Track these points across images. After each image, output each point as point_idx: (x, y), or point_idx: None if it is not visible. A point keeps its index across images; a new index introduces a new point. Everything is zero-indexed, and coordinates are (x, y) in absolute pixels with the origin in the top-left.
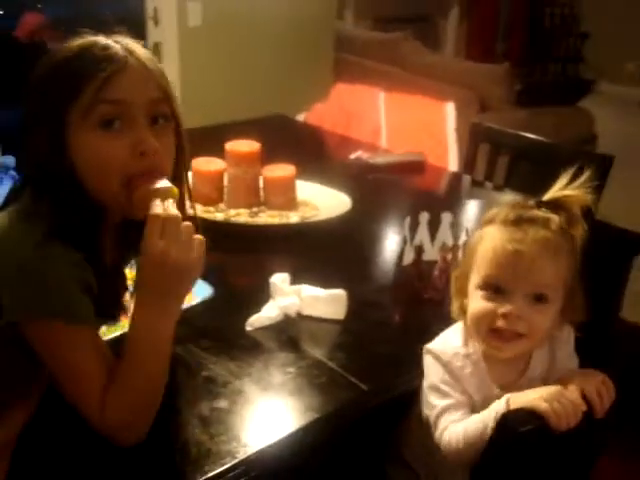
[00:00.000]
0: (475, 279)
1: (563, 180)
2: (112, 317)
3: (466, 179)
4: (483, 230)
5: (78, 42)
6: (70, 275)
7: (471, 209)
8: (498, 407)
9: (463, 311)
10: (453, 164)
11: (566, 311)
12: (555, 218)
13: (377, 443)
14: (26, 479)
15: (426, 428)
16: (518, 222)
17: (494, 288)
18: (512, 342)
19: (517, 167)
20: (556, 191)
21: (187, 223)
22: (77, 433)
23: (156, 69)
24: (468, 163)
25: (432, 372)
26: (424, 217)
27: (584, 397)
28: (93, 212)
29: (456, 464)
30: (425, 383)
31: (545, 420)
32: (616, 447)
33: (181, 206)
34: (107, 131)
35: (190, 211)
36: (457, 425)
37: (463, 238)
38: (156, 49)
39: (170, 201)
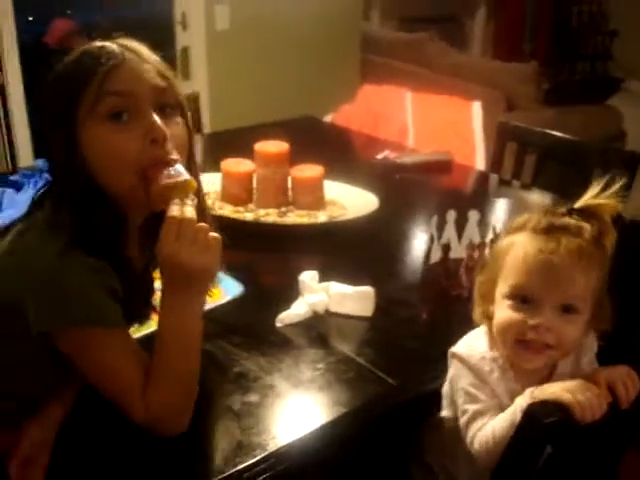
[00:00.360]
0: (503, 287)
1: (595, 188)
2: (142, 319)
3: (493, 178)
4: (513, 237)
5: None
6: (93, 282)
7: (498, 207)
8: (522, 400)
9: (487, 316)
10: (480, 163)
11: (593, 320)
12: (587, 227)
13: (403, 442)
14: (65, 477)
15: (448, 432)
16: (550, 230)
17: (522, 298)
18: (540, 354)
19: (545, 166)
20: (588, 199)
21: (203, 224)
22: (112, 428)
23: (155, 59)
24: (495, 162)
25: (461, 376)
26: (451, 215)
27: (609, 389)
28: (114, 216)
29: (488, 466)
30: (454, 386)
31: (570, 411)
32: None
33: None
34: (116, 124)
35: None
36: (485, 427)
37: (490, 236)
38: (184, 53)
39: (188, 201)
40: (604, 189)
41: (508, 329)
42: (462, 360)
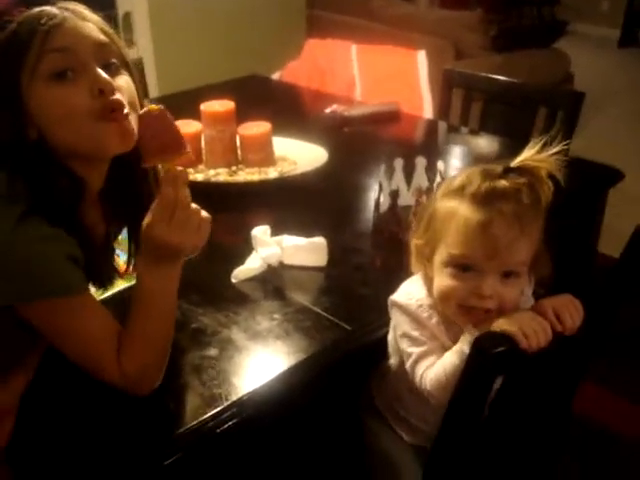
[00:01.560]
0: (442, 254)
1: (533, 146)
2: (105, 283)
3: (442, 125)
4: (451, 202)
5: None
6: (51, 251)
7: (447, 154)
8: (469, 335)
9: (425, 273)
10: (428, 112)
11: (531, 272)
12: (525, 189)
13: (357, 388)
14: (30, 438)
15: (394, 377)
16: (489, 197)
17: (463, 266)
18: (482, 320)
19: (491, 110)
20: (525, 157)
21: (195, 206)
22: (75, 390)
23: (94, 17)
24: (443, 109)
25: (401, 322)
26: (399, 163)
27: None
28: (71, 180)
29: (442, 403)
30: (397, 333)
31: (516, 341)
32: (597, 374)
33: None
34: (62, 82)
35: None
36: (435, 366)
37: (437, 180)
38: (127, 18)
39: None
40: (542, 148)
41: (450, 297)
42: (401, 308)
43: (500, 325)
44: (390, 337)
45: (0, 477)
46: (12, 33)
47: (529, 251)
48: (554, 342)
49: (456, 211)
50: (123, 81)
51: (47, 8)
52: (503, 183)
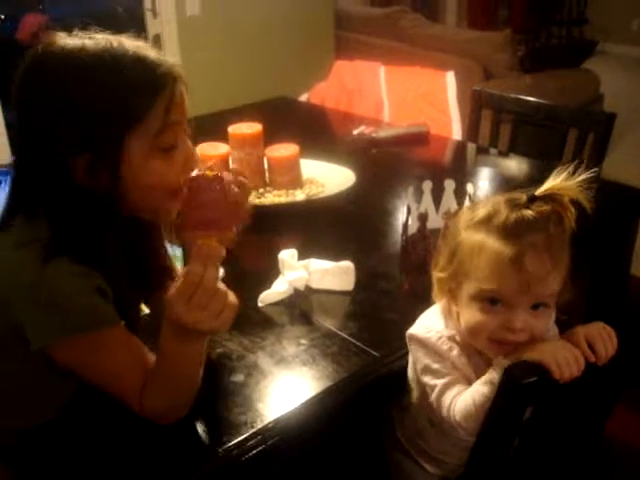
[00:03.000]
0: (471, 289)
1: (558, 174)
2: (134, 323)
3: (471, 147)
4: (478, 235)
5: (115, 54)
6: (81, 286)
7: (476, 176)
8: (500, 364)
9: (449, 310)
10: (457, 133)
11: (558, 300)
12: (553, 217)
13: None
14: (55, 458)
15: (416, 412)
16: (519, 229)
17: (492, 300)
18: (512, 351)
19: (521, 131)
20: (551, 186)
21: (223, 289)
22: (101, 418)
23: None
24: (471, 131)
25: (421, 356)
26: (427, 185)
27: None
28: (96, 221)
29: (471, 434)
30: (417, 367)
31: (548, 371)
32: (630, 400)
33: None
34: (167, 154)
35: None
36: (463, 396)
37: (467, 203)
38: (156, 40)
39: (214, 259)
40: (569, 174)
41: (481, 332)
42: (420, 341)
43: (532, 355)
44: (410, 371)
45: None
46: (117, 76)
47: (559, 282)
48: (586, 372)
49: (484, 244)
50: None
51: (160, 60)
52: (530, 213)
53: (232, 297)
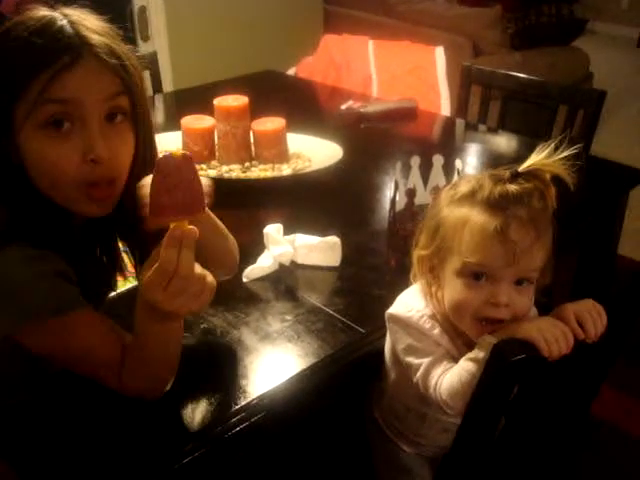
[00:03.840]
0: (455, 264)
1: (541, 151)
2: (101, 298)
3: (459, 123)
4: (462, 209)
5: (27, 22)
6: (37, 271)
7: (465, 152)
8: (487, 340)
9: (430, 290)
10: (446, 109)
11: (539, 279)
12: (535, 193)
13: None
14: (38, 439)
15: (392, 394)
16: (504, 202)
17: (476, 275)
18: (495, 327)
19: (510, 108)
20: (533, 162)
21: (200, 272)
22: (88, 396)
23: (115, 58)
24: (461, 107)
25: (403, 336)
26: (415, 161)
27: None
28: (56, 216)
29: (458, 412)
30: (398, 347)
31: (536, 348)
32: (616, 380)
33: None
34: (54, 132)
35: None
36: (449, 373)
37: (455, 179)
38: (142, 13)
39: (189, 240)
40: (553, 151)
41: (465, 309)
42: (401, 321)
43: (520, 331)
44: (387, 353)
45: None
46: (15, 48)
47: (543, 257)
48: (575, 349)
49: (469, 218)
50: (122, 141)
51: (65, 28)
52: (514, 187)
53: (210, 278)
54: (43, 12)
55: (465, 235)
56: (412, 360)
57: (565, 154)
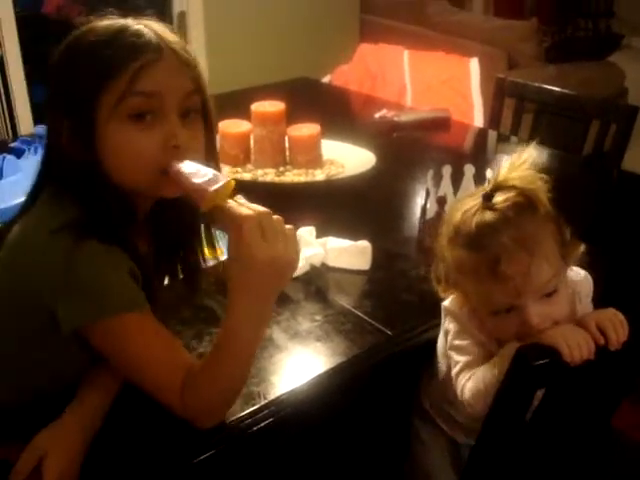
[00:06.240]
0: (484, 309)
1: (506, 164)
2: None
3: (491, 134)
4: (455, 254)
5: (106, 25)
6: (115, 266)
7: (496, 163)
8: (511, 346)
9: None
10: (479, 120)
11: (566, 261)
12: (514, 207)
13: (402, 393)
14: None
15: (443, 381)
16: (483, 238)
17: (507, 309)
18: None
19: (543, 121)
20: (501, 177)
21: (276, 216)
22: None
23: (190, 59)
24: (493, 118)
25: (452, 330)
26: (447, 170)
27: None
28: (122, 204)
29: (480, 415)
30: (448, 339)
31: (558, 353)
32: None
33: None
34: (138, 124)
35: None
36: (475, 375)
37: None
38: (181, 18)
39: (241, 199)
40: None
41: (507, 337)
42: (451, 314)
43: (544, 337)
44: (440, 343)
45: None
46: (99, 47)
47: (551, 265)
48: (597, 355)
49: (463, 262)
50: (196, 135)
51: (144, 31)
52: (489, 215)
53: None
54: (114, 19)
55: (468, 284)
56: (453, 355)
57: (529, 161)
